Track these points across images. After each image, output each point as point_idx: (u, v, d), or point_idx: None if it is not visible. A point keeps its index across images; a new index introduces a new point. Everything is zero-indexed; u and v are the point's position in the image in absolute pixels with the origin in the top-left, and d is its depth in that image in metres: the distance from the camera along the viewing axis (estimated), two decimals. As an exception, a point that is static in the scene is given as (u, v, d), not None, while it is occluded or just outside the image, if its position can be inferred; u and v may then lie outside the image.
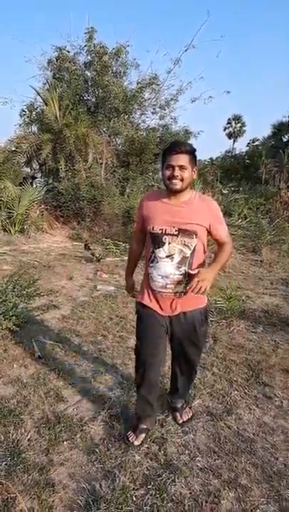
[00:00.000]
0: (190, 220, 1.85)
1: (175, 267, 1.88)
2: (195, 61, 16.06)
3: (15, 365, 2.96)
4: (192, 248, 1.87)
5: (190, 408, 2.41)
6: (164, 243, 1.88)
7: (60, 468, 1.89)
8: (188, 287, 1.87)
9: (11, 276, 4.19)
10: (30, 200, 9.20)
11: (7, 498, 1.69)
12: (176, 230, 1.86)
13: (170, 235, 1.86)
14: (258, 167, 26.13)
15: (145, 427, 2.15)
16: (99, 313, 4.21)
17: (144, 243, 2.07)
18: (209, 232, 1.93)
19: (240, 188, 21.67)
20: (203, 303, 2.04)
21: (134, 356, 2.15)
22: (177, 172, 1.81)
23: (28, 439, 2.08)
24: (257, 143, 33.14)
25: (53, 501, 1.69)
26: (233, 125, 41.46)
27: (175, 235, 1.86)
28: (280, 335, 3.71)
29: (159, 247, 1.89)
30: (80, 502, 1.69)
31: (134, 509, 1.66)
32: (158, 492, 1.75)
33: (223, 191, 19.68)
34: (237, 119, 40.96)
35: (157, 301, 1.98)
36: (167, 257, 1.88)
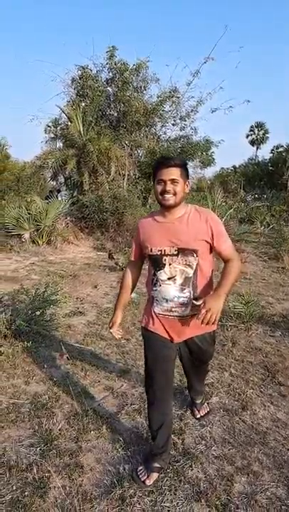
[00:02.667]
0: (188, 236, 1.78)
1: (178, 289, 1.81)
2: (215, 72, 16.31)
3: (45, 366, 3.21)
4: (194, 267, 1.80)
5: (207, 404, 2.57)
6: (165, 264, 1.81)
7: (88, 454, 2.11)
8: (196, 318, 1.72)
9: (40, 284, 4.49)
10: (57, 213, 9.61)
11: (42, 477, 1.91)
12: (175, 250, 1.79)
13: (170, 255, 1.80)
14: (282, 174, 25.93)
15: (159, 466, 1.93)
16: (122, 318, 4.42)
17: (140, 272, 2.09)
18: (212, 247, 1.85)
19: (264, 196, 21.58)
20: (214, 326, 1.91)
21: None
22: (169, 186, 1.76)
23: (59, 429, 2.31)
24: (281, 149, 32.85)
25: (82, 480, 1.90)
26: (256, 132, 41.33)
27: (175, 255, 1.79)
28: (298, 339, 3.82)
29: (160, 270, 1.83)
30: (105, 482, 1.90)
31: (154, 489, 1.85)
32: (176, 475, 1.93)
33: (247, 199, 19.69)
34: (260, 126, 40.83)
35: (164, 327, 1.90)
36: (169, 279, 1.82)
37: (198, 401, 2.48)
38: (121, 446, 2.16)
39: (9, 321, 3.71)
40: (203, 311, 1.64)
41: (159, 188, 1.80)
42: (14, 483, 1.88)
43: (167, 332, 1.90)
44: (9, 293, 4.84)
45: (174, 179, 1.77)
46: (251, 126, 41.34)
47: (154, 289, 1.88)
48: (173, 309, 1.83)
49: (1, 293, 5.07)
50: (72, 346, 3.61)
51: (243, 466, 2.01)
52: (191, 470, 1.97)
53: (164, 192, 1.78)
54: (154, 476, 1.92)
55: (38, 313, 3.89)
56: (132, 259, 2.09)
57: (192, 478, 1.91)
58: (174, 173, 1.77)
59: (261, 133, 41.31)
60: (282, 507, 1.74)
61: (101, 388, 2.86)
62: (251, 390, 2.79)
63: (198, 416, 2.45)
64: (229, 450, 2.13)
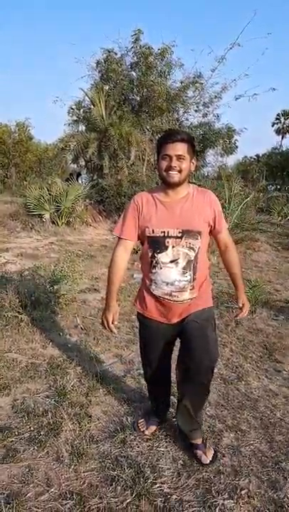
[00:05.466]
0: (193, 218, 1.73)
1: (180, 272, 1.74)
2: (241, 58, 16.04)
3: (61, 334, 3.51)
4: (197, 250, 1.75)
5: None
6: (167, 247, 1.73)
7: (96, 407, 2.39)
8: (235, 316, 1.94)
9: (59, 262, 4.79)
10: (76, 195, 9.89)
11: (56, 421, 2.20)
12: (179, 232, 1.72)
13: (173, 237, 1.72)
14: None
15: (157, 420, 2.16)
16: (134, 297, 4.69)
17: (129, 255, 1.90)
18: (211, 230, 1.84)
19: (286, 186, 21.28)
20: (210, 302, 1.92)
21: None
22: (175, 162, 1.67)
23: (72, 385, 2.60)
24: (308, 139, 32.08)
25: (90, 426, 2.19)
26: (282, 121, 40.37)
27: (179, 237, 1.72)
28: (299, 323, 4.00)
29: (160, 252, 1.74)
30: (110, 428, 2.18)
31: (151, 437, 2.12)
32: (172, 427, 2.19)
33: (268, 189, 19.49)
34: (286, 114, 39.83)
35: (162, 310, 1.84)
36: (171, 262, 1.74)
37: (199, 441, 1.96)
38: (125, 402, 2.44)
39: (29, 292, 4.03)
40: (245, 310, 1.98)
41: (164, 163, 1.70)
42: (32, 424, 2.18)
43: (164, 315, 1.85)
44: (29, 268, 5.15)
45: (180, 155, 1.67)
46: (277, 115, 40.38)
47: (154, 271, 1.78)
48: (173, 293, 1.76)
49: (22, 268, 5.41)
50: (87, 318, 3.90)
51: (233, 425, 2.26)
52: (186, 425, 2.23)
53: (169, 168, 1.69)
54: (152, 428, 2.15)
55: (55, 287, 4.19)
56: (126, 238, 1.85)
57: (186, 431, 2.17)
58: (180, 148, 1.68)
59: (288, 121, 40.30)
60: (263, 457, 1.98)
61: (111, 355, 3.14)
62: (248, 365, 3.02)
63: (207, 461, 1.89)
64: (222, 412, 2.38)
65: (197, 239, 1.74)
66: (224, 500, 1.69)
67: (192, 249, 1.74)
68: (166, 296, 1.78)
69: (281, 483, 1.82)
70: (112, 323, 1.93)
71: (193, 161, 1.75)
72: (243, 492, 1.74)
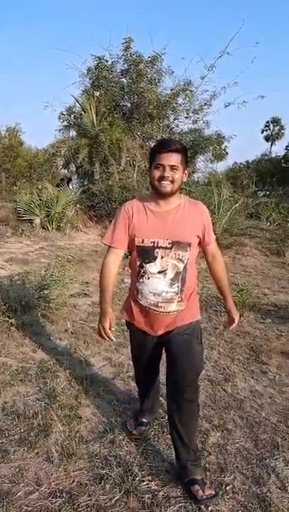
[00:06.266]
0: (184, 230, 1.73)
1: (168, 283, 1.73)
2: (230, 66, 16.30)
3: (51, 338, 3.54)
4: (185, 262, 1.74)
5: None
6: (156, 257, 1.71)
7: (85, 408, 2.43)
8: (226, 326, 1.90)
9: (49, 267, 4.81)
10: (67, 200, 9.93)
11: (46, 423, 2.24)
12: (169, 243, 1.70)
13: (162, 248, 1.70)
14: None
15: (146, 420, 2.21)
16: (123, 302, 4.74)
17: (120, 260, 1.87)
18: (200, 241, 1.83)
19: (274, 192, 21.60)
20: (197, 315, 1.89)
21: None
22: (168, 172, 1.66)
23: (62, 388, 2.64)
24: (295, 146, 32.61)
25: (79, 428, 2.23)
26: (272, 128, 40.97)
27: (168, 248, 1.70)
28: (286, 326, 4.09)
29: (149, 262, 1.72)
30: (99, 429, 2.22)
31: (140, 437, 2.16)
32: (160, 427, 2.24)
33: (258, 194, 19.79)
34: (276, 121, 40.47)
35: (148, 320, 1.83)
36: (160, 272, 1.72)
37: (198, 476, 1.77)
38: (115, 404, 2.49)
39: (19, 297, 4.05)
40: (236, 321, 1.95)
41: (157, 173, 1.69)
42: (22, 426, 2.21)
43: (150, 326, 1.84)
44: (19, 273, 5.17)
45: (173, 165, 1.67)
46: (267, 122, 40.99)
47: (141, 281, 1.76)
48: (160, 304, 1.74)
49: (12, 273, 5.43)
50: (77, 322, 3.94)
51: (220, 424, 2.32)
52: (174, 425, 2.28)
53: (162, 178, 1.68)
54: (141, 428, 2.19)
55: (46, 291, 4.22)
56: (116, 247, 1.83)
57: (174, 431, 2.22)
58: (174, 158, 1.67)
59: (277, 129, 40.92)
60: (248, 455, 2.05)
61: (100, 358, 3.18)
62: (235, 366, 3.09)
63: (203, 497, 1.68)
64: (208, 412, 2.44)
65: (186, 251, 1.73)
66: (210, 496, 1.74)
67: (181, 260, 1.73)
68: (152, 307, 1.76)
69: (265, 478, 1.88)
70: (110, 329, 1.86)
71: (185, 171, 1.75)
72: (228, 488, 1.80)
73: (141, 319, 1.85)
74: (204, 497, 1.67)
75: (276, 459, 2.03)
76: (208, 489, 1.72)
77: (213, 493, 1.71)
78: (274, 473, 1.92)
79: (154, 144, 1.86)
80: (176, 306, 1.77)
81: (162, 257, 1.71)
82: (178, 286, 1.74)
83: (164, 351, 1.95)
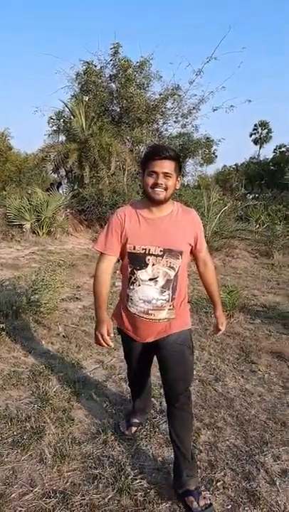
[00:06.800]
0: (176, 238, 1.73)
1: (159, 291, 1.72)
2: (218, 70, 16.52)
3: (43, 342, 3.56)
4: (176, 270, 1.73)
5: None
6: (148, 264, 1.71)
7: (78, 411, 2.46)
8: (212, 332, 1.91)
9: (40, 271, 4.82)
10: (57, 205, 9.92)
11: (39, 426, 2.26)
12: (160, 250, 1.70)
13: (154, 255, 1.70)
14: (284, 173, 26.20)
15: (138, 421, 2.26)
16: (115, 305, 4.78)
17: (113, 266, 1.85)
18: (192, 249, 1.82)
19: (263, 195, 21.86)
20: (189, 323, 1.89)
21: None
22: (161, 180, 1.65)
23: (54, 391, 2.66)
24: (283, 149, 33.07)
25: (72, 430, 2.25)
26: (260, 131, 41.47)
27: (160, 256, 1.70)
28: (275, 326, 4.16)
29: (140, 269, 1.72)
30: (92, 431, 2.25)
31: (132, 437, 2.20)
32: (152, 427, 2.28)
33: (247, 197, 20.03)
34: (264, 125, 40.99)
35: (136, 329, 1.83)
36: (150, 280, 1.72)
37: (192, 487, 1.72)
38: (107, 406, 2.51)
39: (10, 302, 4.06)
40: (222, 330, 2.02)
41: (150, 180, 1.67)
42: (15, 429, 2.22)
43: (139, 334, 1.84)
44: (10, 278, 5.18)
45: (167, 173, 1.65)
46: (255, 125, 41.49)
47: (131, 287, 1.76)
48: (150, 311, 1.74)
49: (3, 278, 5.42)
50: (68, 326, 3.96)
51: (210, 422, 2.37)
52: (165, 424, 2.30)
53: (155, 185, 1.66)
54: (133, 429, 2.23)
55: (36, 296, 4.23)
56: (109, 254, 1.80)
57: (165, 430, 2.24)
58: (167, 166, 1.65)
59: (265, 132, 41.45)
60: (238, 452, 2.10)
61: (92, 361, 3.21)
62: (226, 366, 3.14)
63: (198, 509, 1.65)
64: (199, 411, 2.49)
65: (178, 258, 1.72)
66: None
67: (172, 268, 1.72)
68: (142, 315, 1.76)
69: (254, 474, 1.93)
70: (108, 335, 1.82)
71: (178, 179, 1.74)
72: (218, 484, 1.85)
73: (130, 327, 1.85)
74: (199, 509, 1.65)
75: (265, 454, 2.08)
76: (202, 500, 1.68)
77: (208, 502, 1.69)
78: (263, 469, 1.97)
79: (146, 150, 1.85)
80: (167, 314, 1.76)
81: (153, 264, 1.70)
82: (169, 294, 1.74)
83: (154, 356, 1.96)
